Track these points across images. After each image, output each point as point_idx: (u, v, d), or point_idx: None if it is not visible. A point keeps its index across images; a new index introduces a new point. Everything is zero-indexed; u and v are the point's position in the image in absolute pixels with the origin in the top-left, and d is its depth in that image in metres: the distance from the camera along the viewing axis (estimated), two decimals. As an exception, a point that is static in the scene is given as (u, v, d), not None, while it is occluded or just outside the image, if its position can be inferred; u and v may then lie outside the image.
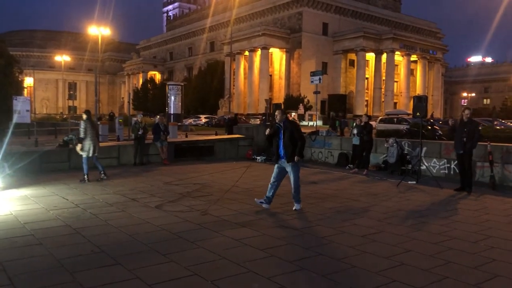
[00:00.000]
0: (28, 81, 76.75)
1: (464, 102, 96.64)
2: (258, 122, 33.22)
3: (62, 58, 67.89)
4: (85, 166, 10.31)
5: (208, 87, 62.25)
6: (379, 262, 4.89)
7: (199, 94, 60.98)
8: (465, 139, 9.30)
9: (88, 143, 10.30)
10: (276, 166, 7.59)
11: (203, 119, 47.12)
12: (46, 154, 12.58)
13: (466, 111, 9.68)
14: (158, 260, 4.83)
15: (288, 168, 7.44)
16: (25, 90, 66.46)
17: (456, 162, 11.50)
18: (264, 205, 7.51)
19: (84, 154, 10.30)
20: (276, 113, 7.58)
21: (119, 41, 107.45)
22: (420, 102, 11.05)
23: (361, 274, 4.53)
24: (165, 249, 5.21)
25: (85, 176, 10.23)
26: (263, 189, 9.57)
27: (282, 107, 19.14)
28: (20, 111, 24.39)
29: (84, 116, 10.50)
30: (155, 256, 4.97)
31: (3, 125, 27.88)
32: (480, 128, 10.60)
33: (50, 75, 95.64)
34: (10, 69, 40.47)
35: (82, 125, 10.34)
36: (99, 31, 48.11)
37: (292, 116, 24.09)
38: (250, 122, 39.18)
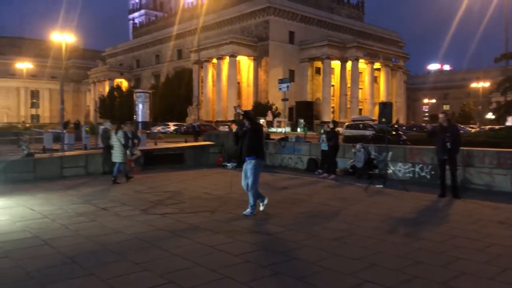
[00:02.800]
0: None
1: (425, 108, 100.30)
2: (228, 129, 33.27)
3: (24, 65, 65.72)
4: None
5: (176, 95, 61.70)
6: (351, 264, 5.02)
7: (167, 101, 60.34)
8: (448, 144, 9.13)
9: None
10: (243, 172, 7.69)
11: (171, 126, 46.64)
12: (10, 164, 12.14)
13: (441, 115, 9.59)
14: (132, 269, 4.78)
15: (248, 166, 7.48)
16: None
17: (420, 166, 11.96)
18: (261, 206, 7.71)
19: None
20: (244, 120, 7.76)
21: (84, 48, 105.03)
22: (386, 108, 11.42)
23: (334, 276, 4.64)
24: (139, 257, 5.16)
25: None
26: (235, 195, 9.64)
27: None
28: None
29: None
30: (129, 265, 4.91)
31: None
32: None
33: (11, 83, 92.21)
34: (-33, 76, 38.84)
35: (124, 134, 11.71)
36: (62, 38, 46.94)
37: (261, 123, 24.45)
38: (219, 129, 39.09)
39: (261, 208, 7.82)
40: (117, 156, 11.64)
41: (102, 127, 15.91)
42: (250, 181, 7.43)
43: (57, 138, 23.08)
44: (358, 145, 13.14)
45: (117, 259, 5.17)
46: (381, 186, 10.90)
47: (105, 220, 7.15)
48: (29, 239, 5.97)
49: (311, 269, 4.82)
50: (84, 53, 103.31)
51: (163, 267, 4.82)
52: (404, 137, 18.49)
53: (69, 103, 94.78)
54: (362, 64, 62.62)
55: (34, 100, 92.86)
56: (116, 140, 11.63)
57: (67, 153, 14.94)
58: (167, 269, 4.74)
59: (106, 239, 5.98)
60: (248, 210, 7.48)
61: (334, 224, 6.97)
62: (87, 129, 21.51)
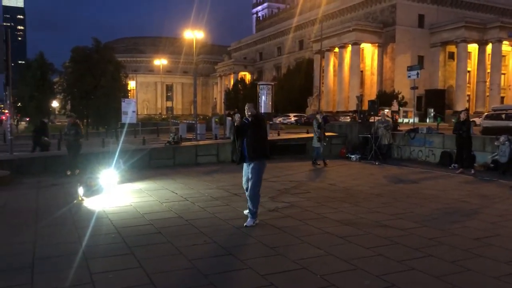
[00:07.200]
0: (131, 85, 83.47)
1: None
2: (349, 120, 32.53)
3: (161, 62, 72.65)
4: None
5: (296, 86, 62.30)
6: (497, 266, 4.60)
7: (287, 92, 61.33)
8: None
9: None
10: (243, 172, 6.73)
11: (292, 117, 47.34)
12: (154, 151, 13.66)
13: None
14: (267, 253, 5.05)
15: (250, 167, 6.42)
16: (129, 93, 72.50)
17: None
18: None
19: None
20: (246, 107, 6.58)
21: (211, 43, 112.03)
22: (538, 95, 10.02)
23: (477, 277, 4.31)
24: (274, 243, 5.40)
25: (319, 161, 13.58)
26: (361, 188, 9.48)
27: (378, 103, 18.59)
28: (128, 112, 26.71)
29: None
30: (263, 249, 5.19)
31: (113, 125, 30.80)
32: None
33: (150, 78, 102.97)
34: (117, 74, 44.55)
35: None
36: (193, 35, 50.76)
37: (385, 112, 22.98)
38: (340, 119, 38.50)
39: (246, 212, 6.55)
40: (314, 141, 13.77)
41: (229, 118, 16.89)
42: (251, 183, 6.33)
43: (190, 128, 25.19)
44: (502, 138, 11.79)
45: (252, 241, 5.50)
46: (531, 183, 9.66)
47: (238, 205, 7.63)
48: (175, 219, 6.67)
49: (450, 269, 4.53)
50: (211, 49, 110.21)
51: (296, 254, 4.97)
52: (560, 128, 16.00)
53: (198, 96, 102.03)
54: (506, 47, 55.51)
55: (169, 94, 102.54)
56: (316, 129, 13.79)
57: (201, 142, 16.21)
58: (301, 256, 4.89)
59: (241, 223, 6.37)
60: (249, 220, 6.28)
61: (474, 223, 6.42)
62: (216, 120, 23.01)
